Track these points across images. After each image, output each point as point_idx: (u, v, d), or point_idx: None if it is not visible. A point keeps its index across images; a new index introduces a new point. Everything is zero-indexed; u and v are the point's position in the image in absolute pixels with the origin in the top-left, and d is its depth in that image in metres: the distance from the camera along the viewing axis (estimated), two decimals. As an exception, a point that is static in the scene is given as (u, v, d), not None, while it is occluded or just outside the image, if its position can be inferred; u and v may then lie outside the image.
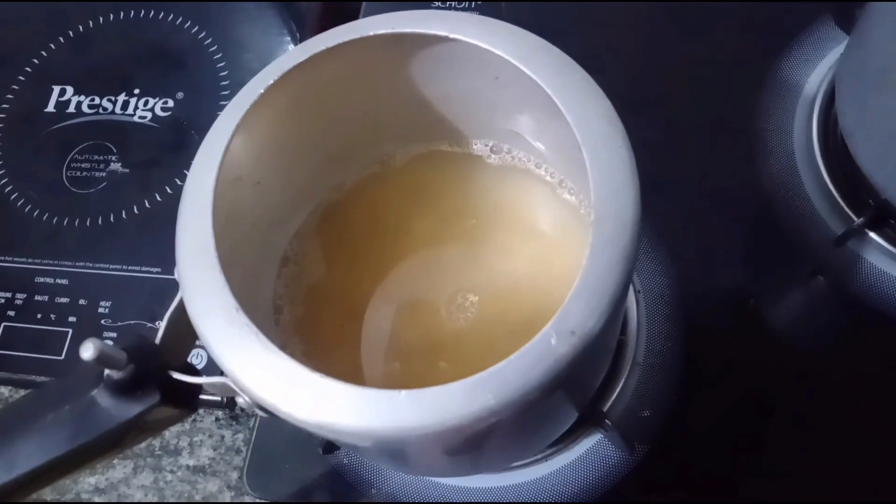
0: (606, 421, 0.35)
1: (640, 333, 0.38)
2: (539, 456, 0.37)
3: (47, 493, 0.46)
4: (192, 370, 0.27)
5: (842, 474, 0.36)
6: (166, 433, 0.46)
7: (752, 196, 0.42)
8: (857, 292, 0.40)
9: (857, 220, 0.38)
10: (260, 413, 0.26)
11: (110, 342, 0.24)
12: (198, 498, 0.45)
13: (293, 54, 0.29)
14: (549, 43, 0.28)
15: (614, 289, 0.24)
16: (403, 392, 0.23)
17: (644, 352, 0.38)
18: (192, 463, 0.46)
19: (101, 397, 0.25)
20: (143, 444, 0.46)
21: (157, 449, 0.46)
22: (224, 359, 0.24)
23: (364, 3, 0.51)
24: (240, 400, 0.25)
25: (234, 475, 0.45)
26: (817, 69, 0.44)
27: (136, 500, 0.45)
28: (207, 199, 0.27)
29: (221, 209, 0.27)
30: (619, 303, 0.24)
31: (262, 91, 0.28)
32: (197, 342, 0.28)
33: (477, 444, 0.27)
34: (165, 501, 0.45)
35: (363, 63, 0.30)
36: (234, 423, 0.47)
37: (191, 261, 0.26)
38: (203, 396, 0.44)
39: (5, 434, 0.25)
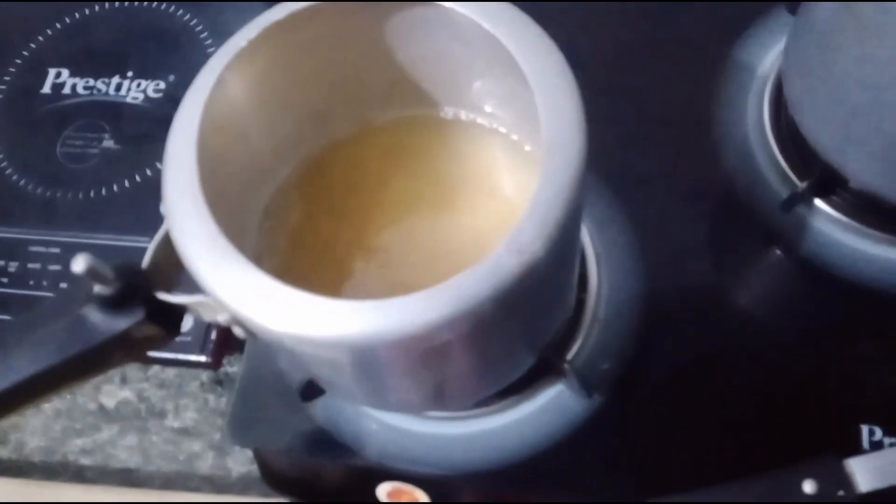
0: (566, 366, 0.37)
1: (600, 291, 0.41)
2: (500, 403, 0.39)
3: (35, 455, 0.48)
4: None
5: (794, 429, 0.38)
6: (152, 397, 0.48)
7: (711, 169, 0.45)
8: (807, 258, 0.42)
9: (802, 185, 0.41)
10: (238, 333, 0.28)
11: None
12: (181, 458, 0.47)
13: (274, 12, 0.31)
14: (513, 5, 0.31)
15: (562, 212, 0.26)
16: (368, 302, 0.25)
17: (604, 309, 0.41)
18: (176, 425, 0.48)
19: (90, 312, 0.27)
20: (129, 409, 0.48)
21: (142, 412, 0.48)
22: (205, 277, 0.27)
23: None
24: (220, 318, 0.27)
25: (217, 436, 0.47)
26: (770, 54, 0.47)
27: (121, 461, 0.47)
28: (193, 138, 0.29)
29: (206, 158, 0.30)
30: (566, 228, 0.27)
31: (244, 45, 0.31)
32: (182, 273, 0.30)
33: (438, 360, 0.29)
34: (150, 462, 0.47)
35: (342, 24, 0.33)
36: (218, 387, 0.48)
37: (176, 191, 0.28)
38: (189, 357, 0.46)
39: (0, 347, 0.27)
